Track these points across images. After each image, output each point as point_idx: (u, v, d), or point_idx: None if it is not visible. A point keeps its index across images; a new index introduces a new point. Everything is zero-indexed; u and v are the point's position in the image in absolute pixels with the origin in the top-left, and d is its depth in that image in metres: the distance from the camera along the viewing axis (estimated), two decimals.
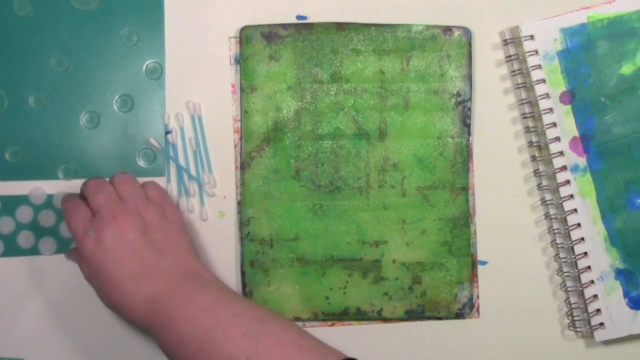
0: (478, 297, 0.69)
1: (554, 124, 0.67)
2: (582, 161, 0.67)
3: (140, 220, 0.59)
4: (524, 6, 0.69)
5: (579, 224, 0.67)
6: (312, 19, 0.68)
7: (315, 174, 0.68)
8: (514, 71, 0.69)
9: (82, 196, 0.62)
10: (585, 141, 0.67)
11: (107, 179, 0.62)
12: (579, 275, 0.68)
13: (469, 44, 0.68)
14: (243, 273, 0.67)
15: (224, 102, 0.68)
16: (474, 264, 0.69)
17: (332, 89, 0.67)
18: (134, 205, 0.60)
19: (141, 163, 0.67)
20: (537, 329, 0.69)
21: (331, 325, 0.68)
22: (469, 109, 0.68)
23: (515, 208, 0.69)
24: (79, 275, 0.62)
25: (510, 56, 0.69)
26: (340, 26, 0.67)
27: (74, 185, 0.67)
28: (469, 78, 0.68)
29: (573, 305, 0.68)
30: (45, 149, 0.67)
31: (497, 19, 0.69)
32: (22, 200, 0.66)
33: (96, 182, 0.61)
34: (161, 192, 0.63)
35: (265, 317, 0.57)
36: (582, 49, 0.67)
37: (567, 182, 0.67)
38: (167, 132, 0.67)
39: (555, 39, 0.67)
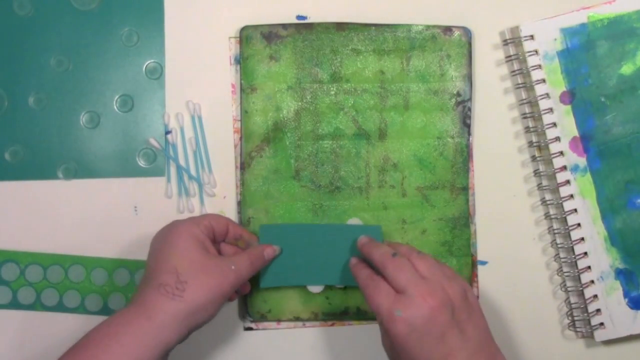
0: (478, 297, 0.69)
1: (554, 124, 0.67)
2: (582, 161, 0.67)
3: (449, 300, 0.56)
4: (524, 6, 0.69)
5: (579, 224, 0.67)
6: (312, 19, 0.68)
7: (315, 174, 0.68)
8: (514, 71, 0.69)
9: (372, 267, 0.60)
10: (585, 141, 0.67)
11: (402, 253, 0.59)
12: (579, 275, 0.68)
13: (469, 44, 0.68)
14: None
15: (224, 102, 0.68)
16: (474, 264, 0.69)
17: (332, 89, 0.67)
18: (439, 283, 0.56)
19: (141, 163, 0.67)
20: (537, 329, 0.69)
21: (331, 325, 0.68)
22: (469, 109, 0.68)
23: (515, 208, 0.69)
24: None
25: (510, 56, 0.69)
26: (340, 26, 0.67)
27: (74, 185, 0.67)
28: (469, 78, 0.68)
29: (573, 305, 0.68)
30: (45, 149, 0.67)
31: (497, 19, 0.69)
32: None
33: (393, 260, 0.57)
34: (453, 271, 0.59)
35: None
36: (582, 49, 0.67)
37: (567, 182, 0.67)
38: (167, 132, 0.67)
39: (555, 39, 0.67)
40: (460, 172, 0.68)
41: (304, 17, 0.68)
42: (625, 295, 0.68)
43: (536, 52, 0.67)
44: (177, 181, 0.67)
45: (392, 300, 0.56)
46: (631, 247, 0.67)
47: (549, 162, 0.68)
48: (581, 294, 0.68)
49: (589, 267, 0.67)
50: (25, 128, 0.67)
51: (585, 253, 0.67)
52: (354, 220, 0.67)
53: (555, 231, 0.68)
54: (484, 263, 0.69)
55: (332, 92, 0.67)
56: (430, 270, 0.57)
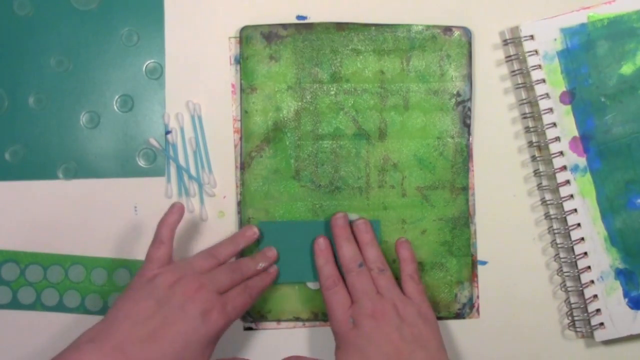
0: (478, 297, 0.69)
1: (554, 124, 0.67)
2: (582, 161, 0.67)
3: (397, 316, 0.61)
4: (524, 6, 0.69)
5: (579, 224, 0.67)
6: (312, 19, 0.68)
7: (315, 174, 0.68)
8: (514, 71, 0.69)
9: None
10: (585, 141, 0.67)
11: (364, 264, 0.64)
12: (579, 275, 0.68)
13: (469, 44, 0.68)
14: None
15: (224, 102, 0.68)
16: (474, 264, 0.69)
17: (332, 89, 0.67)
18: (391, 300, 0.62)
19: (141, 163, 0.67)
20: (537, 329, 0.69)
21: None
22: (469, 109, 0.68)
23: (515, 208, 0.69)
24: None
25: (510, 56, 0.69)
26: (340, 26, 0.67)
27: (74, 185, 0.67)
28: (469, 78, 0.68)
29: (573, 305, 0.68)
30: (45, 149, 0.67)
31: (497, 19, 0.69)
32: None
33: (358, 270, 0.63)
34: (418, 290, 0.64)
35: None
36: (582, 49, 0.67)
37: (567, 182, 0.67)
38: (167, 132, 0.67)
39: (555, 39, 0.67)
40: (460, 172, 0.68)
41: (304, 17, 0.68)
42: (625, 295, 0.68)
43: (536, 52, 0.67)
44: (177, 181, 0.67)
45: (347, 308, 0.62)
46: (631, 247, 0.67)
47: (549, 162, 0.68)
48: (581, 294, 0.68)
49: (589, 267, 0.67)
50: (25, 128, 0.67)
51: (585, 253, 0.67)
52: (352, 216, 0.67)
53: (555, 231, 0.68)
54: (484, 263, 0.69)
55: (332, 92, 0.67)
56: (387, 287, 0.63)
